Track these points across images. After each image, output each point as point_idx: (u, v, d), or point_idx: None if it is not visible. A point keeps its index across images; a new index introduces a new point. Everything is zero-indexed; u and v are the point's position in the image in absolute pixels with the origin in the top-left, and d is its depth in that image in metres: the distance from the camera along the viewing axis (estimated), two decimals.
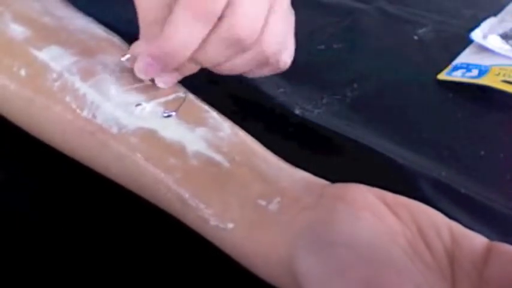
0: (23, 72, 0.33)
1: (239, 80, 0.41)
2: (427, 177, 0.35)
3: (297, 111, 0.40)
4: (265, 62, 0.33)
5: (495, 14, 0.52)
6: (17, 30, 0.34)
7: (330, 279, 0.24)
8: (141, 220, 0.32)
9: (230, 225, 0.28)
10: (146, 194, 0.31)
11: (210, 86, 0.34)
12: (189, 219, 0.30)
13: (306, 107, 0.41)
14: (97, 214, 0.32)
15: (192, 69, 0.33)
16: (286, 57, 0.35)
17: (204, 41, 0.30)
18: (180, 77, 0.33)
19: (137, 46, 0.32)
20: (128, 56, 0.33)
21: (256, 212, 0.28)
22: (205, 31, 0.30)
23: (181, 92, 0.33)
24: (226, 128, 0.32)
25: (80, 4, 0.38)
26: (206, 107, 0.33)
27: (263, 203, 0.28)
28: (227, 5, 0.29)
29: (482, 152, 0.38)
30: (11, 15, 0.35)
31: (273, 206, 0.28)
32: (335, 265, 0.24)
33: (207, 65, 0.32)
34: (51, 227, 0.32)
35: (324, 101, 0.42)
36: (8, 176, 0.34)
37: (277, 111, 0.40)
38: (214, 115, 0.32)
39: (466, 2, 0.56)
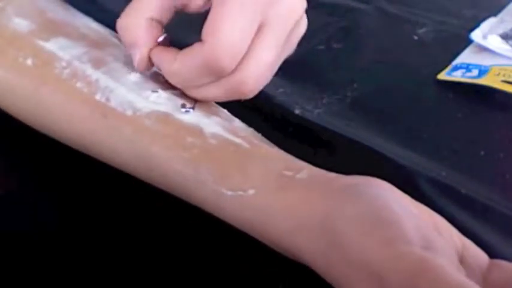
0: (29, 62, 0.33)
1: None
2: (427, 177, 0.35)
3: (297, 111, 0.40)
4: (239, 91, 0.31)
5: (495, 14, 0.52)
6: (21, 24, 0.34)
7: (379, 230, 0.24)
8: (143, 214, 0.32)
9: (251, 191, 0.28)
10: (154, 176, 0.31)
11: None
12: (203, 196, 0.29)
13: (306, 107, 0.41)
14: (98, 211, 0.32)
15: None
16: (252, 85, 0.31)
17: (179, 61, 0.30)
18: None
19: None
20: (165, 35, 0.32)
21: (284, 179, 0.28)
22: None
23: None
24: (237, 121, 0.32)
25: (78, 4, 0.38)
26: (217, 104, 0.33)
27: (289, 173, 0.28)
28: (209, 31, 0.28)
29: (482, 152, 0.38)
30: (13, 10, 0.35)
31: (302, 175, 0.28)
32: (388, 215, 0.25)
33: (178, 86, 0.31)
34: (52, 227, 0.32)
35: (324, 101, 0.42)
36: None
37: (277, 111, 0.40)
38: (225, 111, 0.33)
39: (466, 2, 0.56)
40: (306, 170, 0.29)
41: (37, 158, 0.35)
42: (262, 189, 0.28)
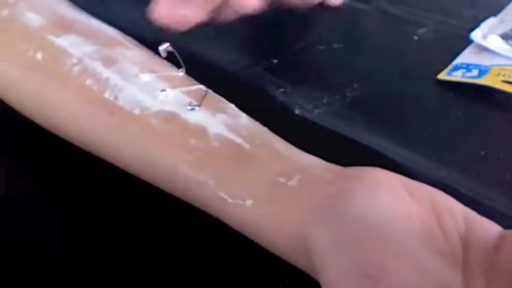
0: (39, 56, 0.33)
1: (239, 80, 0.41)
2: (427, 177, 0.35)
3: (297, 111, 0.40)
4: None
5: (495, 14, 0.52)
6: (33, 19, 0.34)
7: (339, 255, 0.24)
8: (146, 216, 0.32)
9: (249, 202, 0.28)
10: (158, 177, 0.31)
11: (210, 85, 0.34)
12: (207, 200, 0.29)
13: (306, 107, 0.41)
14: (98, 211, 0.32)
15: None
16: None
17: None
18: None
19: None
20: (167, 44, 0.33)
21: (276, 188, 0.28)
22: None
23: (203, 86, 0.33)
24: (244, 116, 0.32)
25: (82, 4, 0.38)
26: (225, 100, 0.33)
27: (282, 180, 0.28)
28: None
29: (482, 152, 0.38)
30: (26, 5, 0.35)
31: (293, 183, 0.28)
32: (345, 240, 0.24)
33: None
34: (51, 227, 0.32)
35: (324, 101, 0.42)
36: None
37: (277, 111, 0.40)
38: (232, 106, 0.33)
39: (466, 2, 0.56)
40: (298, 176, 0.28)
41: (37, 158, 0.35)
42: (258, 199, 0.28)
